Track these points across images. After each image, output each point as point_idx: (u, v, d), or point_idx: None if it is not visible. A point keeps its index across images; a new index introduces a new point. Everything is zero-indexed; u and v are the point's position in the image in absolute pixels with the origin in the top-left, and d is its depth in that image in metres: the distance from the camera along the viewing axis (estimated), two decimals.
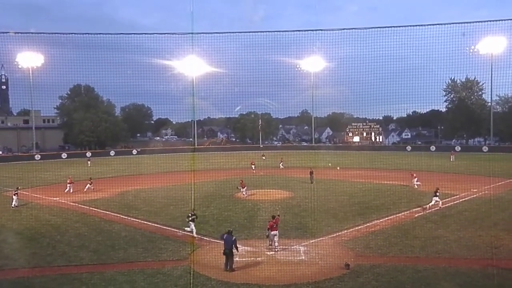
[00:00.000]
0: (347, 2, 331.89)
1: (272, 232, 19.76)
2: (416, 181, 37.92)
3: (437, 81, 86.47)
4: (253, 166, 53.43)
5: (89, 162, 68.81)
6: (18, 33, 18.69)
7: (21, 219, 28.18)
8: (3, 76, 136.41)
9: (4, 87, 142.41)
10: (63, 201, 34.50)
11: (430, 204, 28.63)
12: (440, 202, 28.79)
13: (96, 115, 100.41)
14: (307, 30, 17.98)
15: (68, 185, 38.38)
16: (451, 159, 61.76)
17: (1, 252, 21.00)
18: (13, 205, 31.98)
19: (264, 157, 55.93)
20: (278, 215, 21.06)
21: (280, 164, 56.78)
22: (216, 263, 18.34)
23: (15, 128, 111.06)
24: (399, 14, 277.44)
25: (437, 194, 28.89)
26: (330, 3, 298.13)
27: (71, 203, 33.67)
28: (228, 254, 17.61)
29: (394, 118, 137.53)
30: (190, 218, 22.84)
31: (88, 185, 39.14)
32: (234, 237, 17.97)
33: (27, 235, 23.93)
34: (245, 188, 35.13)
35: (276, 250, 19.81)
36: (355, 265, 17.86)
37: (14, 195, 32.71)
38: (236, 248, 17.79)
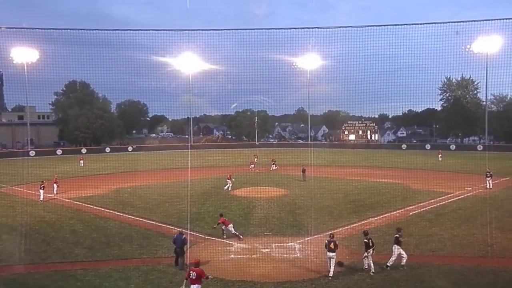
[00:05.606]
0: (340, 1, 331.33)
1: (229, 226, 21.53)
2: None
3: (432, 79, 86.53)
4: (252, 165, 52.90)
5: (81, 162, 61.46)
6: (11, 28, 18.52)
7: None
8: None
9: None
10: (58, 198, 34.37)
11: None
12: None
13: (91, 111, 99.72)
14: (304, 28, 17.96)
15: (54, 184, 36.09)
16: (439, 158, 62.26)
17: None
18: (41, 199, 32.79)
19: (256, 159, 55.47)
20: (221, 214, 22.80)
21: (273, 166, 54.23)
22: (212, 260, 18.40)
23: (9, 124, 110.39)
24: (392, 13, 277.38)
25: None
26: (323, 2, 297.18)
27: (66, 200, 33.57)
28: (179, 252, 17.77)
29: (390, 116, 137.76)
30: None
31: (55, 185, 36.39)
32: (184, 236, 18.32)
33: (20, 231, 23.81)
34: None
35: (241, 238, 21.52)
36: (350, 263, 17.97)
37: (41, 189, 33.10)
38: (184, 247, 18.18)
